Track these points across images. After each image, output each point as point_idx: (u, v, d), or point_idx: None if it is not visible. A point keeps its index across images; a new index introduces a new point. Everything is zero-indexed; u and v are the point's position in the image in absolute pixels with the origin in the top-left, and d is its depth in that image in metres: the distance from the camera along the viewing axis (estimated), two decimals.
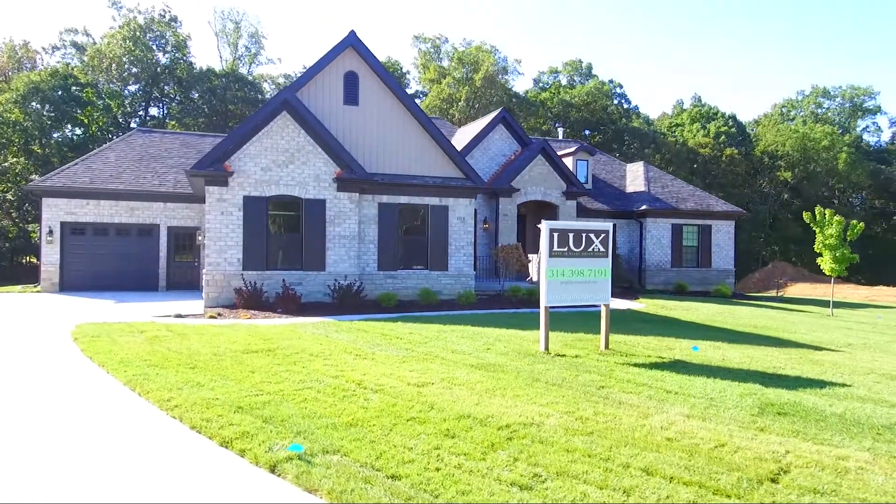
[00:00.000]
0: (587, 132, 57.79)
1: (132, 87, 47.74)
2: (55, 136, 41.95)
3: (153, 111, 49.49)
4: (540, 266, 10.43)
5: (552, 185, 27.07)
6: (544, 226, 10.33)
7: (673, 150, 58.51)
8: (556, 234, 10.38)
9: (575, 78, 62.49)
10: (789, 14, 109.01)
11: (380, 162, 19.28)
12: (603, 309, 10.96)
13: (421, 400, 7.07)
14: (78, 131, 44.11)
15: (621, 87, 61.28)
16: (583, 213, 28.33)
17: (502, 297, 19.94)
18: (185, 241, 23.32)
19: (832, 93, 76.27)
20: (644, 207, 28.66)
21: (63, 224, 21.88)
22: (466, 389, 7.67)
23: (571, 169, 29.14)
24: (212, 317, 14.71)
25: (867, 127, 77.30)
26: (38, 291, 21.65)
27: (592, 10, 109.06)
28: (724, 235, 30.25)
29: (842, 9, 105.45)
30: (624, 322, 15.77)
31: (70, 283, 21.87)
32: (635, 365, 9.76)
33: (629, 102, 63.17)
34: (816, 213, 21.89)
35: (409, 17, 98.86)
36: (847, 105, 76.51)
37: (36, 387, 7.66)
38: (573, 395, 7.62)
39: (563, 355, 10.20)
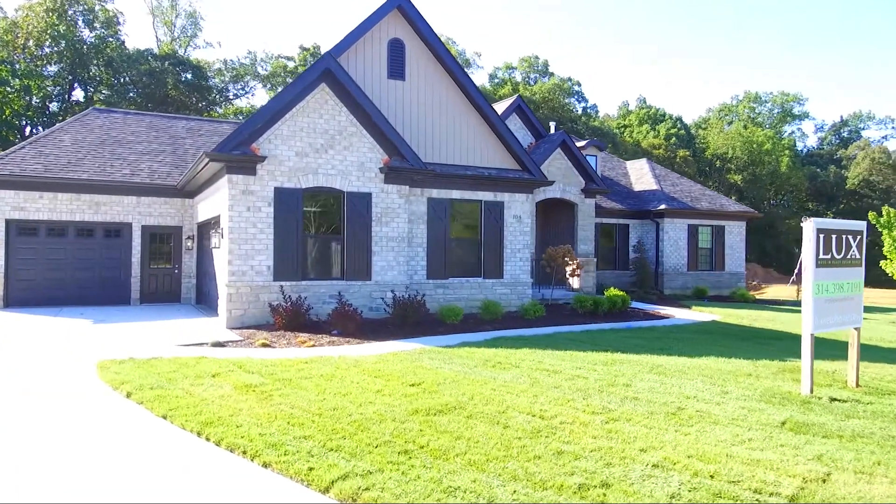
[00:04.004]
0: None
1: (52, 67, 41.55)
2: None
3: (77, 94, 43.41)
4: (802, 280, 7.73)
5: (571, 181, 24.60)
6: (810, 225, 7.64)
7: (630, 151, 57.84)
8: (822, 237, 7.71)
9: (531, 75, 60.72)
10: (725, 19, 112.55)
11: (429, 148, 16.11)
12: (854, 334, 8.38)
13: None
14: None
15: (580, 84, 60.08)
16: (598, 212, 26.04)
17: (566, 309, 17.19)
18: (164, 244, 19.14)
19: (763, 98, 78.69)
20: (662, 207, 26.68)
21: (8, 222, 17.25)
22: None
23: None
24: (264, 344, 11.10)
25: (793, 132, 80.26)
26: None
27: (539, 12, 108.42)
28: (736, 237, 28.78)
29: (776, 14, 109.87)
30: (734, 339, 13.41)
31: (18, 298, 17.27)
32: None
33: (586, 101, 62.12)
34: (884, 213, 20.46)
35: (357, 5, 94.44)
36: (777, 111, 79.20)
37: None
38: None
39: (841, 400, 7.55)
